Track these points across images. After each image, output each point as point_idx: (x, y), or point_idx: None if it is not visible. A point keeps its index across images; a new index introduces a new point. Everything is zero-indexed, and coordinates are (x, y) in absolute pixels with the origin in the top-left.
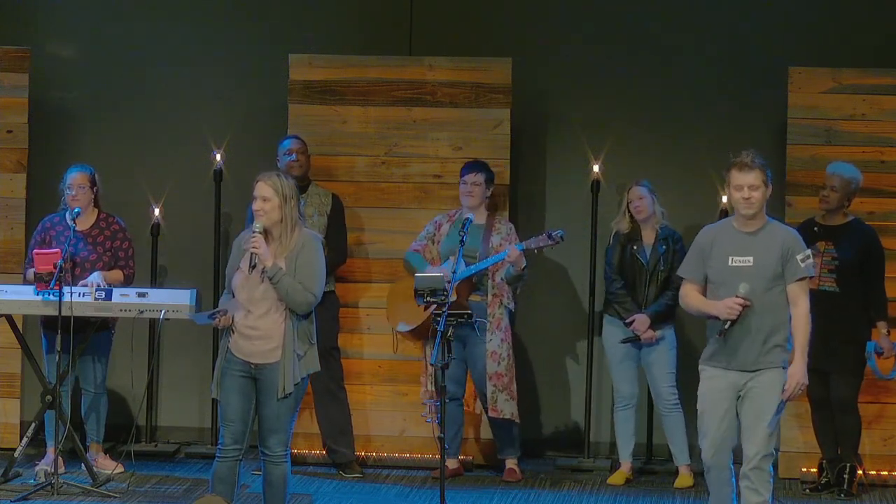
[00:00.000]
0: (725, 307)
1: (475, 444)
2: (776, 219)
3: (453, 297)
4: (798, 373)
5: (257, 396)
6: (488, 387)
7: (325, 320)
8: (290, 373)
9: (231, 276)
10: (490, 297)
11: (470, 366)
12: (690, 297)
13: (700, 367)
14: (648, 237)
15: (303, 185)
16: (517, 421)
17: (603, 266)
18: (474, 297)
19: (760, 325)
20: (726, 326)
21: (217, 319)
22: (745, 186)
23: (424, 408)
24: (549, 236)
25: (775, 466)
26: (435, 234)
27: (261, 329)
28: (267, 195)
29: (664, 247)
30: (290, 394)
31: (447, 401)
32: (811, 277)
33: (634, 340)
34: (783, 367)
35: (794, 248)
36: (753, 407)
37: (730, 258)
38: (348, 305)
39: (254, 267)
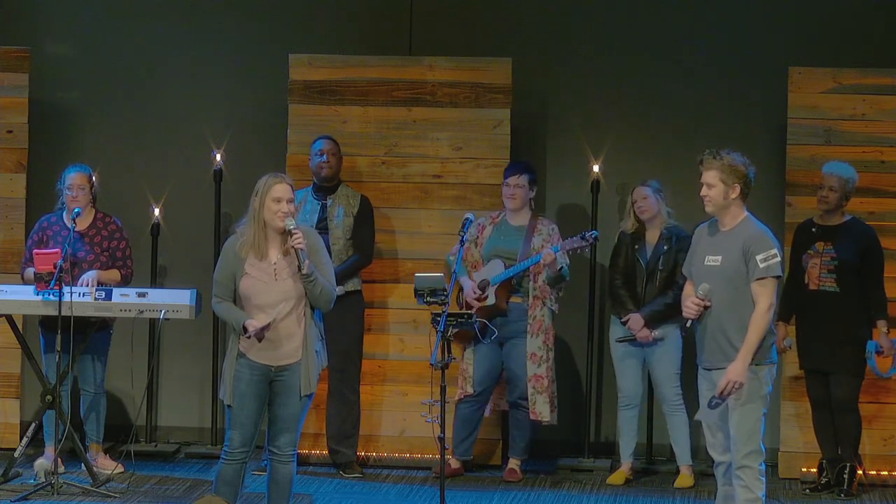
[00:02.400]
0: (685, 306)
1: (475, 444)
2: (763, 220)
3: (492, 301)
4: (734, 370)
5: (274, 397)
6: (528, 389)
7: (351, 321)
8: (314, 372)
9: (226, 283)
10: (531, 299)
11: (506, 366)
12: (683, 293)
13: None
14: (652, 237)
15: (332, 185)
16: (554, 423)
17: (603, 266)
18: (514, 299)
19: (724, 324)
20: (687, 325)
21: (263, 331)
22: (703, 184)
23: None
24: (583, 237)
25: (775, 466)
26: (478, 237)
27: (281, 331)
28: (291, 196)
29: (665, 247)
30: (311, 392)
31: (471, 401)
32: (777, 276)
33: (630, 340)
34: (756, 365)
35: (754, 248)
36: (729, 406)
37: (706, 257)
38: None
39: (303, 262)
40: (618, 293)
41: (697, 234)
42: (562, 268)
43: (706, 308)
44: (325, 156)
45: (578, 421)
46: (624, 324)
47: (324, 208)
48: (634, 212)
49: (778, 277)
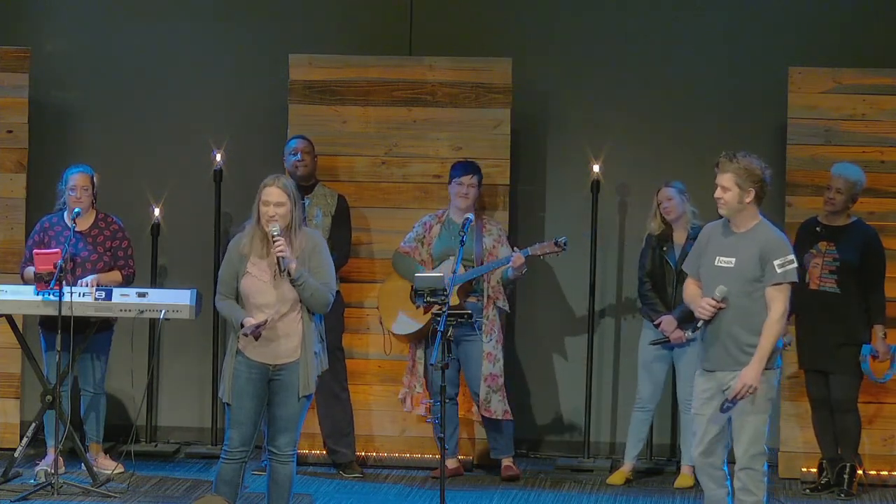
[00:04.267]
0: (699, 306)
1: (475, 445)
2: (771, 221)
3: (456, 301)
4: (748, 375)
5: (272, 397)
6: (482, 388)
7: (330, 321)
8: (312, 372)
9: (229, 281)
10: (485, 299)
11: (464, 366)
12: (687, 290)
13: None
14: (679, 238)
15: (309, 185)
16: (512, 419)
17: (603, 267)
18: (471, 299)
19: (735, 326)
20: (698, 325)
21: (258, 329)
22: (718, 186)
23: (419, 407)
24: (556, 243)
25: (775, 466)
26: (425, 236)
27: (281, 330)
28: (281, 200)
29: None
30: (310, 393)
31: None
32: (792, 282)
33: (664, 342)
34: (766, 370)
35: (772, 253)
36: (736, 408)
37: (717, 258)
38: (349, 305)
39: (284, 271)
40: (648, 296)
41: (706, 233)
42: (524, 271)
43: (720, 310)
44: (299, 154)
45: (578, 421)
46: (656, 326)
47: (301, 208)
48: (660, 213)
49: (793, 283)
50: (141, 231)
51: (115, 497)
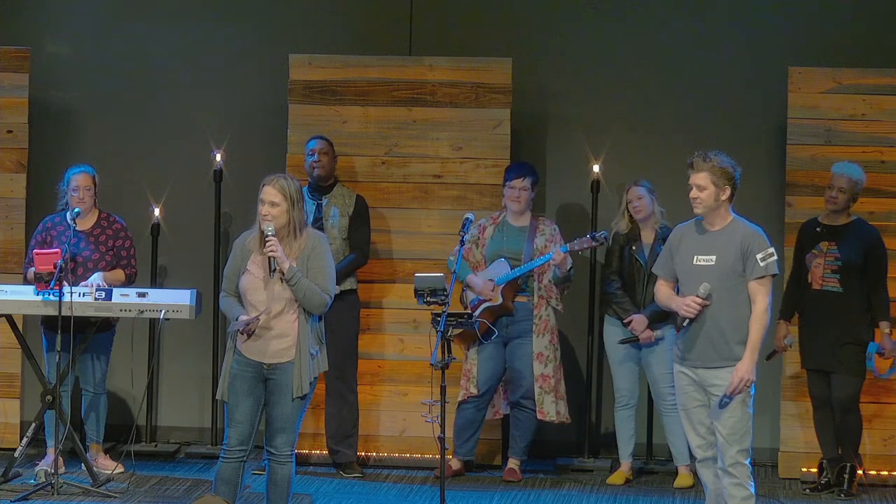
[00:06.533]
0: (684, 304)
1: (477, 445)
2: (744, 217)
3: (498, 301)
4: (744, 368)
5: (268, 396)
6: (535, 389)
7: (347, 320)
8: (307, 373)
9: (232, 278)
10: (536, 299)
11: (509, 365)
12: (660, 292)
13: (673, 364)
14: (647, 237)
15: (327, 184)
16: (568, 422)
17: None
18: (520, 299)
19: (719, 322)
20: (684, 323)
21: (251, 325)
22: (693, 186)
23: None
24: (593, 238)
25: (775, 466)
26: (479, 238)
27: (275, 329)
28: (275, 200)
29: (662, 247)
30: (305, 394)
31: (474, 401)
32: (775, 275)
33: (633, 341)
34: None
35: (753, 247)
36: (722, 405)
37: (695, 257)
38: None
39: (274, 271)
40: (616, 295)
41: (678, 234)
42: (570, 267)
43: (704, 307)
44: (316, 155)
45: (578, 421)
46: (626, 325)
47: (319, 208)
48: (629, 212)
49: (775, 276)
50: (141, 231)
51: (115, 497)
